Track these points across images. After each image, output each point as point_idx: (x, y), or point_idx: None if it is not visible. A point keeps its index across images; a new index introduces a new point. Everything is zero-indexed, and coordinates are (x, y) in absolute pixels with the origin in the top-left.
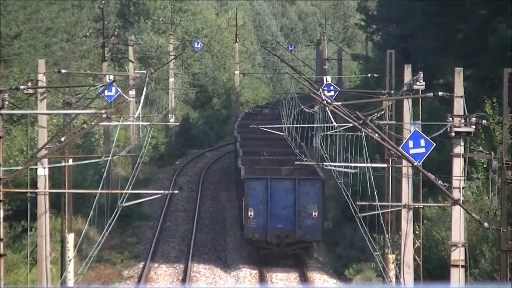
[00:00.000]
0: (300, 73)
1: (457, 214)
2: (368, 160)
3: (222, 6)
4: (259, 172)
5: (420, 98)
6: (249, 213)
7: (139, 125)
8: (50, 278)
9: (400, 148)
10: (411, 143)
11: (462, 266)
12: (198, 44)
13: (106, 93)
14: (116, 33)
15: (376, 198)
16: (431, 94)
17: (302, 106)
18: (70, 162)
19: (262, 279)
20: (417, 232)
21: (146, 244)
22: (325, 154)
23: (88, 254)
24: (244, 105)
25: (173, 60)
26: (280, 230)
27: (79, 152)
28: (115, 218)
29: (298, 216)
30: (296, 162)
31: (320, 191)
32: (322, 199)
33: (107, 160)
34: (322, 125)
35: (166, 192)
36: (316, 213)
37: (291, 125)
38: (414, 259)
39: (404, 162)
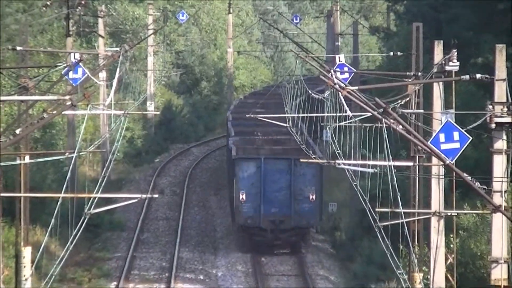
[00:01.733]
0: (308, 50)
1: (499, 224)
2: (390, 157)
3: None
4: (252, 152)
5: (454, 82)
6: (241, 197)
7: (110, 114)
8: None
9: (429, 142)
10: (442, 137)
11: (505, 286)
12: (183, 16)
13: (71, 75)
14: (83, 2)
15: (400, 203)
16: (467, 76)
17: (310, 91)
18: (27, 159)
19: None
20: (450, 245)
21: (119, 259)
22: (337, 150)
23: (49, 272)
24: (238, 89)
25: (153, 35)
26: (274, 215)
27: (38, 148)
28: (82, 228)
29: (294, 200)
30: (302, 160)
31: (318, 172)
32: (320, 180)
33: (72, 157)
34: (334, 114)
35: (144, 196)
36: (314, 196)
37: (296, 115)
38: (446, 279)
39: (434, 160)
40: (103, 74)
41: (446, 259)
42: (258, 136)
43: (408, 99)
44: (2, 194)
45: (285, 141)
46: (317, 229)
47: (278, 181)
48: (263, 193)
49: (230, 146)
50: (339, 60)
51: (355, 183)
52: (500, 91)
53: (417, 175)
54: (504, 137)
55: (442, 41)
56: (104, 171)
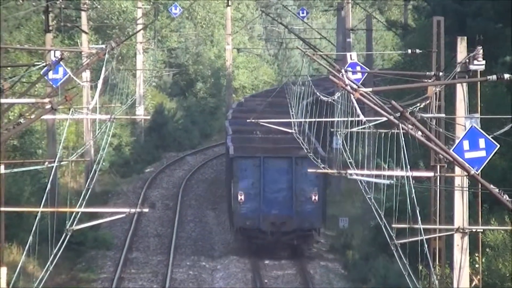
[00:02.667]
0: (315, 48)
1: None
2: (408, 167)
3: None
4: (251, 150)
5: (479, 83)
6: (239, 197)
7: (95, 119)
8: None
9: (451, 150)
10: (466, 144)
11: None
12: (176, 9)
13: (51, 75)
14: None
15: (419, 219)
16: (494, 76)
17: (318, 94)
18: (2, 169)
19: None
20: (476, 265)
21: (105, 281)
22: (349, 158)
23: None
24: (238, 91)
25: (142, 31)
26: (275, 217)
27: (15, 157)
28: (63, 246)
29: (295, 201)
30: (310, 171)
31: None
32: (323, 180)
33: (52, 167)
34: (345, 119)
35: (133, 210)
36: (316, 197)
37: (302, 119)
38: None
39: (457, 170)
40: (86, 74)
41: (471, 280)
42: (257, 135)
43: (428, 102)
44: None
45: (286, 139)
46: (319, 232)
47: (278, 181)
48: (262, 194)
49: (228, 144)
50: (351, 59)
51: (369, 196)
52: None
53: (438, 187)
54: None
55: (466, 38)
56: (88, 182)
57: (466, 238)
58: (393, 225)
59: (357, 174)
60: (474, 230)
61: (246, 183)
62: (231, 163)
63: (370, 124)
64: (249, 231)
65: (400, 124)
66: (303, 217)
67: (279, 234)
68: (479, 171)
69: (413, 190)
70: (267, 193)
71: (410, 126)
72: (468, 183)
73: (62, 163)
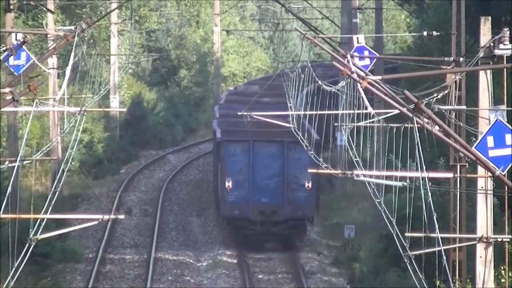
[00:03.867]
0: (317, 30)
1: None
2: (424, 167)
3: None
4: (239, 134)
5: (505, 70)
6: (227, 184)
7: (63, 112)
8: None
9: (473, 148)
10: (490, 140)
11: None
12: None
13: (12, 61)
14: None
15: (436, 226)
16: None
17: (320, 82)
18: None
19: None
20: (501, 280)
21: None
22: (355, 157)
23: None
24: (228, 80)
25: (117, 10)
26: (265, 205)
27: None
28: (26, 257)
29: (287, 188)
30: (310, 171)
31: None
32: (318, 166)
33: (14, 166)
34: (351, 111)
35: (106, 217)
36: (310, 184)
37: (302, 112)
38: None
39: (480, 171)
40: (53, 60)
41: None
42: (247, 119)
43: (446, 92)
44: None
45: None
46: (312, 221)
47: (269, 167)
48: (252, 180)
49: (214, 128)
50: (358, 42)
51: (378, 200)
52: None
53: (459, 190)
54: None
55: (490, 18)
56: (54, 184)
57: (491, 249)
58: (407, 234)
59: (364, 175)
60: (499, 240)
61: (234, 169)
62: (218, 147)
63: (380, 118)
64: (237, 220)
65: (414, 118)
66: (296, 205)
67: (269, 223)
68: (506, 171)
69: (430, 194)
70: (257, 180)
71: (426, 120)
72: (493, 185)
73: (25, 162)
